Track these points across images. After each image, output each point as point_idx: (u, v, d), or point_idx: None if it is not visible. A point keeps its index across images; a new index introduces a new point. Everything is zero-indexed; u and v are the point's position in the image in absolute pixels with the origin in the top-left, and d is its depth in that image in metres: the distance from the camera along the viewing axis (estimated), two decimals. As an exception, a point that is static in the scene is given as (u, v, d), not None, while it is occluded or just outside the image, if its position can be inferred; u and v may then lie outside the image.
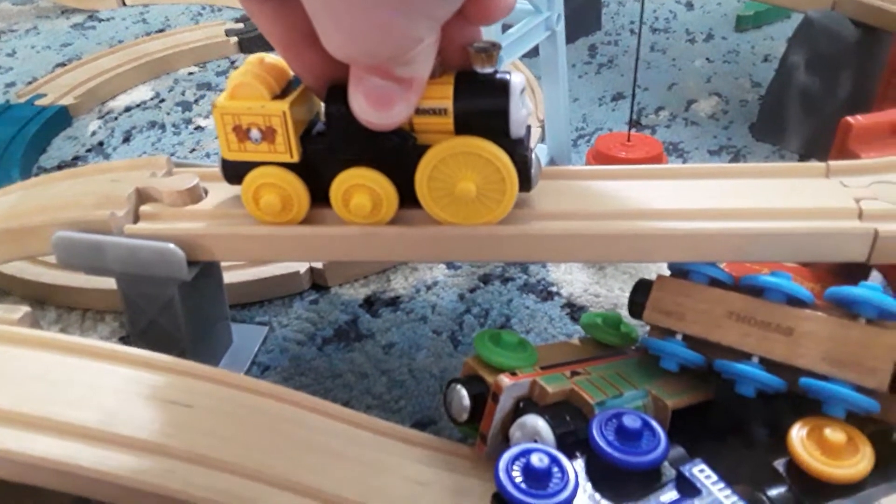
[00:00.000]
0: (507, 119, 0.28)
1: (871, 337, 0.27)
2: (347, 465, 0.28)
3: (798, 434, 0.27)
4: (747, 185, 0.33)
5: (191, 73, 0.80)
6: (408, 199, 0.30)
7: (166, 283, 0.32)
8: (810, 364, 0.28)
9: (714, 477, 0.25)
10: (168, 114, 0.71)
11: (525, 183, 0.30)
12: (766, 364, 0.29)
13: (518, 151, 0.29)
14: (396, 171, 0.29)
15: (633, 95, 0.46)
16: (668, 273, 0.33)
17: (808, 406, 0.28)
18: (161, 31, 0.91)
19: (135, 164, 0.35)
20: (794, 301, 0.29)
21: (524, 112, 0.28)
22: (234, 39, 0.83)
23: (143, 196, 0.33)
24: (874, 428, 0.28)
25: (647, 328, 0.33)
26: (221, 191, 0.33)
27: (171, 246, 0.31)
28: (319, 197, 0.31)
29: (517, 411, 0.29)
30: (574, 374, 0.31)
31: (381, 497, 0.27)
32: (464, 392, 0.30)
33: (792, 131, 0.57)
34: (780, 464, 0.27)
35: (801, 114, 0.56)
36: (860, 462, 0.26)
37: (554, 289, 0.46)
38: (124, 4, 1.02)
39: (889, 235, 0.29)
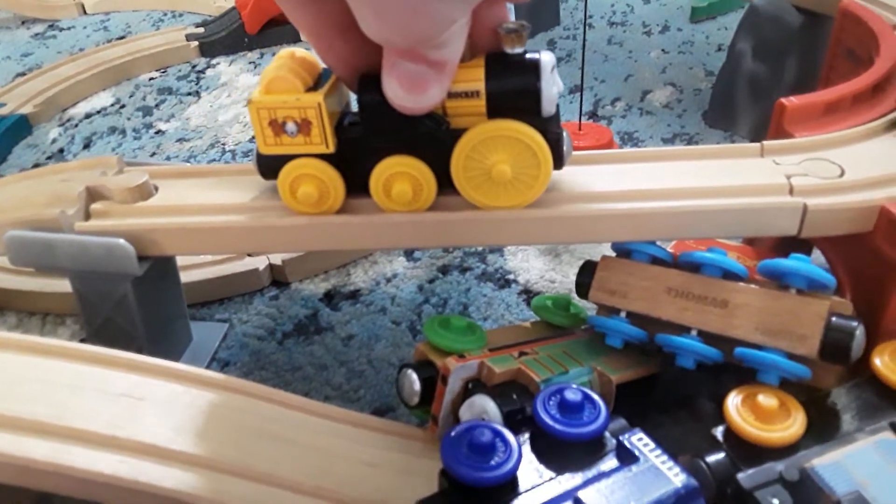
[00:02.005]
0: (540, 98, 0.28)
1: (801, 306, 0.28)
2: (300, 451, 0.28)
3: (733, 401, 0.28)
4: (687, 167, 0.34)
5: (152, 79, 0.80)
6: (441, 183, 0.31)
7: (118, 279, 0.33)
8: (744, 334, 0.29)
9: (652, 444, 0.26)
10: (129, 119, 0.71)
11: (558, 161, 0.30)
12: (705, 336, 0.30)
13: (551, 129, 0.29)
14: (431, 156, 0.30)
15: (582, 86, 0.47)
16: (613, 254, 0.34)
17: (752, 378, 0.29)
18: (122, 38, 0.91)
19: (86, 164, 0.35)
20: (729, 275, 0.30)
21: (555, 90, 0.29)
22: (195, 44, 0.83)
23: (93, 194, 0.33)
24: (810, 394, 0.29)
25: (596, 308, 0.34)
26: (171, 187, 0.34)
27: (121, 241, 0.31)
28: (353, 186, 0.31)
29: (467, 392, 0.30)
30: (522, 354, 0.31)
31: (332, 480, 0.27)
32: (414, 376, 0.31)
33: (742, 117, 0.59)
34: (718, 431, 0.28)
35: (749, 99, 0.58)
36: (792, 426, 0.27)
37: (511, 276, 0.46)
38: (84, 13, 1.01)
39: (817, 209, 0.30)
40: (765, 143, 0.35)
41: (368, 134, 0.30)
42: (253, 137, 0.67)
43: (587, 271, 0.33)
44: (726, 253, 0.31)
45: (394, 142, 0.30)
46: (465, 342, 0.31)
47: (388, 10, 0.22)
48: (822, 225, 0.31)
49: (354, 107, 0.31)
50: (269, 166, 0.31)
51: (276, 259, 0.46)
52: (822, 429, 0.28)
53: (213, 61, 0.83)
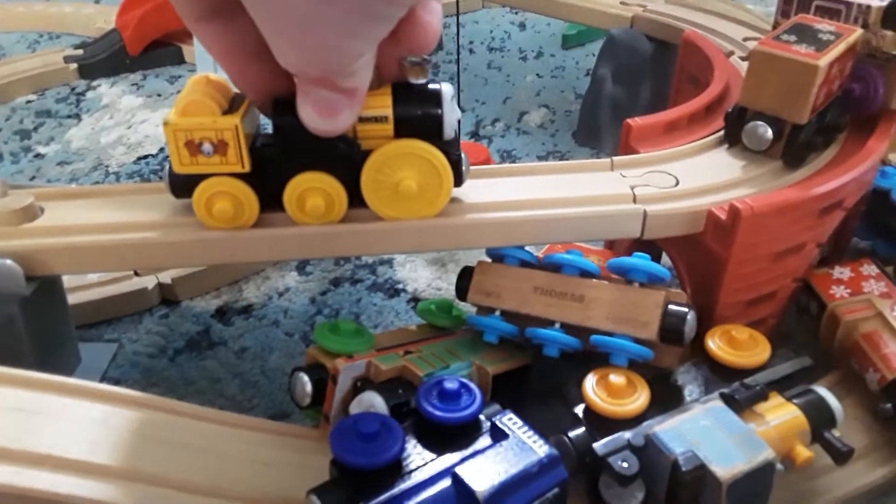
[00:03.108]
0: (442, 123, 0.32)
1: (642, 297, 0.33)
2: (195, 454, 0.29)
3: (589, 382, 0.32)
4: (550, 180, 0.38)
5: (29, 102, 0.78)
6: (351, 199, 0.33)
7: (5, 300, 0.33)
8: (598, 324, 0.33)
9: (520, 423, 0.29)
10: (5, 143, 0.69)
11: (458, 179, 0.33)
12: (567, 328, 0.34)
13: (452, 151, 0.33)
14: (342, 175, 0.32)
15: (460, 107, 0.51)
16: (488, 259, 0.37)
17: (607, 362, 0.33)
18: (-6, 59, 0.88)
19: (-34, 187, 0.35)
20: (585, 273, 0.34)
21: (455, 116, 0.32)
22: (74, 66, 0.82)
23: (-25, 217, 0.33)
24: (656, 373, 0.34)
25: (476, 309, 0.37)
26: (57, 209, 0.34)
27: (7, 262, 0.32)
28: (266, 202, 0.33)
29: (356, 390, 0.32)
30: (407, 353, 0.34)
31: (228, 479, 0.29)
32: (305, 378, 0.33)
33: (606, 136, 0.65)
34: (579, 409, 0.32)
35: (611, 120, 0.64)
36: (638, 400, 0.31)
37: (400, 286, 0.49)
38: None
39: (656, 214, 0.35)
40: (614, 158, 0.39)
41: (283, 154, 0.32)
42: (138, 159, 0.66)
43: (465, 276, 0.37)
44: (582, 254, 0.35)
45: (308, 161, 0.32)
46: (354, 344, 0.34)
47: (302, 44, 0.25)
48: (660, 228, 0.36)
49: (265, 128, 0.33)
50: (183, 185, 0.32)
51: (166, 277, 0.47)
52: (666, 401, 0.32)
53: (94, 83, 0.82)
